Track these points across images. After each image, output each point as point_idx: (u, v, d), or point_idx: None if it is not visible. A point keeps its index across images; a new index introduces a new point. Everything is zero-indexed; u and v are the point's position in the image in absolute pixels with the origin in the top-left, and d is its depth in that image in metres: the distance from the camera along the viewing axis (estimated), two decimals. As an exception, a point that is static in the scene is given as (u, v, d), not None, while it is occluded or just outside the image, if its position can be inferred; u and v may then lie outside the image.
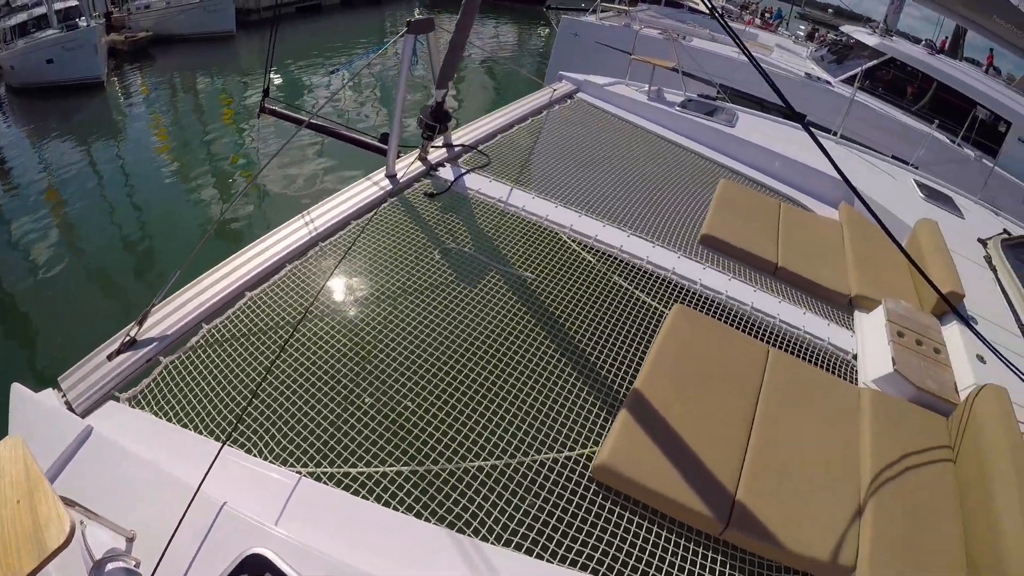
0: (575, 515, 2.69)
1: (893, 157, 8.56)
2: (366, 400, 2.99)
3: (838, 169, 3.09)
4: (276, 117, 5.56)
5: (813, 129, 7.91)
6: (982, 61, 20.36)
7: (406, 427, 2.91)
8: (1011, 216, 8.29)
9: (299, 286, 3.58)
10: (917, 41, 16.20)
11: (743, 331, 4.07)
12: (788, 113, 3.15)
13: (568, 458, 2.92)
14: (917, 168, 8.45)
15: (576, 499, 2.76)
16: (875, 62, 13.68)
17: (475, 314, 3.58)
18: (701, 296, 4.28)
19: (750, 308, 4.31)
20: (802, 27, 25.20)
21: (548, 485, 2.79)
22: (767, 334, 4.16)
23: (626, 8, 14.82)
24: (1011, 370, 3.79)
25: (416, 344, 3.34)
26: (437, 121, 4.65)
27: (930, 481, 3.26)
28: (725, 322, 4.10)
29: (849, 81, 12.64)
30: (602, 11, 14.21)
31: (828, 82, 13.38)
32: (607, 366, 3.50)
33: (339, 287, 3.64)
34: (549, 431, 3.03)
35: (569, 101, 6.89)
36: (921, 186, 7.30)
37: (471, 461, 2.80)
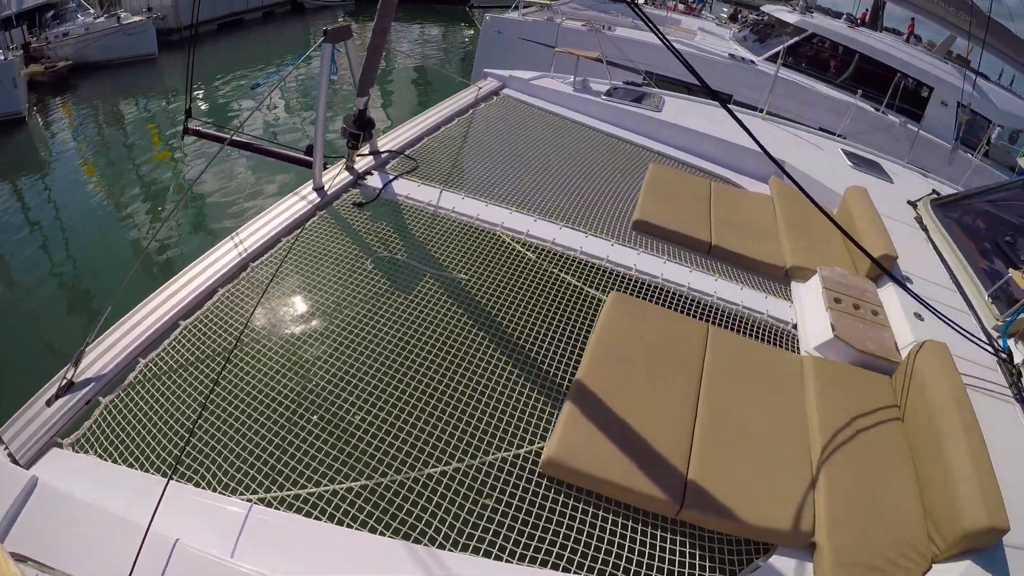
0: (529, 512, 2.67)
1: (821, 129, 8.73)
2: (311, 418, 2.91)
3: (758, 143, 3.09)
4: (200, 137, 5.41)
5: (737, 107, 8.07)
6: (903, 30, 20.85)
7: (354, 442, 2.84)
8: (939, 177, 8.51)
9: (233, 310, 3.47)
10: (838, 15, 16.53)
11: (682, 312, 4.08)
12: (712, 94, 3.16)
13: (518, 456, 2.89)
14: (845, 138, 8.61)
15: (529, 496, 2.74)
16: (796, 39, 13.94)
17: (414, 321, 3.52)
18: (638, 281, 4.27)
19: (687, 288, 4.32)
20: (725, 9, 25.56)
21: (500, 485, 2.76)
22: (706, 313, 4.17)
23: (548, 3, 14.81)
24: (948, 324, 3.87)
25: (356, 357, 3.26)
26: (361, 129, 4.58)
27: (880, 439, 3.30)
28: (663, 304, 4.11)
29: (772, 59, 12.85)
30: (524, 7, 14.22)
31: (752, 61, 13.59)
32: (550, 359, 3.47)
33: (273, 307, 3.53)
34: (497, 431, 3.00)
35: (495, 98, 6.87)
36: (849, 155, 7.43)
37: (422, 470, 2.76)
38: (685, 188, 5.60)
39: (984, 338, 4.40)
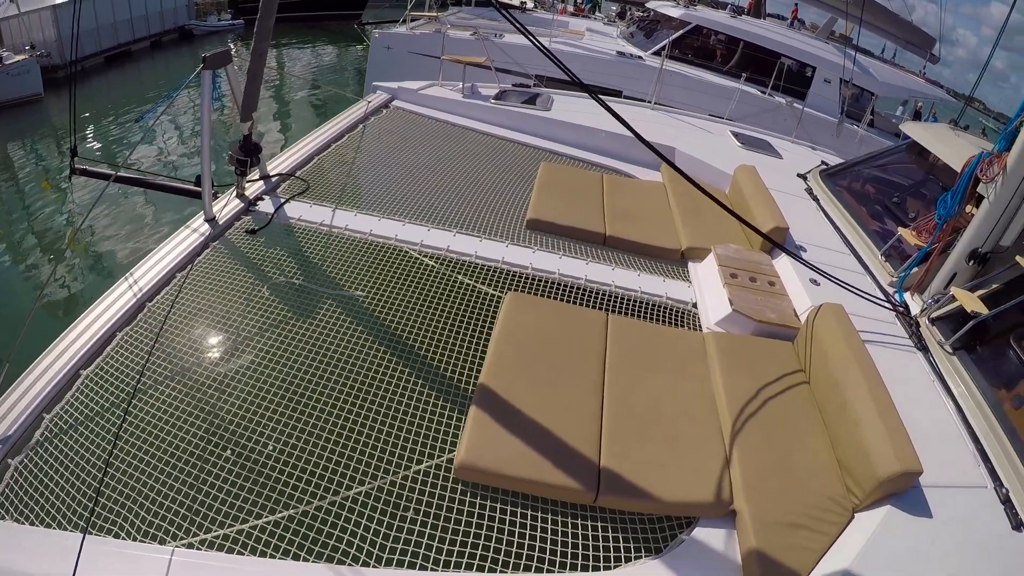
0: (448, 519, 2.65)
1: (711, 116, 8.88)
2: (225, 455, 2.79)
3: (631, 129, 3.19)
4: (88, 176, 5.11)
5: (628, 102, 8.12)
6: (787, 15, 21.54)
7: (271, 474, 2.74)
8: (828, 149, 8.79)
9: (134, 354, 3.27)
10: (723, 6, 16.98)
11: (581, 304, 4.08)
12: (584, 87, 3.13)
13: (430, 467, 2.86)
14: (735, 121, 8.79)
15: (446, 503, 2.72)
16: (681, 32, 14.25)
17: (317, 344, 3.41)
18: (534, 279, 4.24)
19: (584, 280, 4.31)
20: (613, 8, 25.96)
21: (417, 497, 2.72)
22: (605, 302, 4.17)
23: (436, 15, 14.70)
24: (841, 286, 3.96)
25: (263, 387, 3.13)
26: (247, 155, 4.42)
27: (788, 403, 3.41)
28: (562, 299, 4.10)
29: (659, 53, 13.05)
30: (412, 20, 14.08)
31: (640, 57, 13.81)
32: (456, 366, 3.43)
33: (173, 346, 3.33)
34: (413, 444, 2.96)
35: (385, 111, 6.76)
36: (738, 136, 7.61)
37: (342, 493, 2.69)
38: (577, 183, 5.58)
39: (881, 295, 4.47)
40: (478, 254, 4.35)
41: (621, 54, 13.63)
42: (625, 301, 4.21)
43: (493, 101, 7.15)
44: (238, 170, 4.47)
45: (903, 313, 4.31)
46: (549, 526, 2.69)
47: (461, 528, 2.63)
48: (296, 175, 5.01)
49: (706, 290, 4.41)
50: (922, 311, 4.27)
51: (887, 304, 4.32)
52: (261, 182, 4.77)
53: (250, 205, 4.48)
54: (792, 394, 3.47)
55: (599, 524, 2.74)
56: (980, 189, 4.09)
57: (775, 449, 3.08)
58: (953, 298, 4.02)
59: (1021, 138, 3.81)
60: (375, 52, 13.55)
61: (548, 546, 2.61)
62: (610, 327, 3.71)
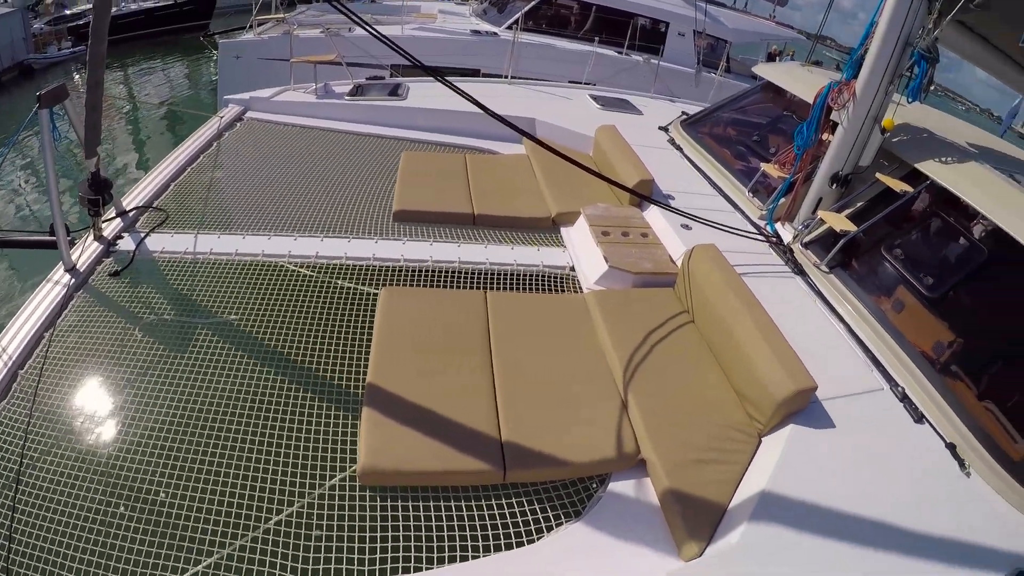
0: (365, 528, 2.54)
1: (572, 82, 8.88)
2: (127, 514, 2.55)
3: (479, 105, 3.30)
4: None
5: (487, 79, 7.99)
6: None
7: (178, 523, 2.53)
8: (689, 100, 8.92)
9: (13, 429, 2.93)
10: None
11: (458, 287, 4.01)
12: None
13: (340, 481, 2.72)
14: (595, 85, 8.81)
15: (359, 513, 2.60)
16: (532, 4, 14.15)
17: (200, 378, 3.17)
18: (409, 270, 4.12)
19: (458, 263, 4.20)
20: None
21: (328, 513, 2.58)
22: (483, 280, 4.09)
23: (282, 16, 14.09)
24: (711, 226, 4.02)
25: (150, 433, 2.89)
26: (98, 192, 4.03)
27: (678, 346, 3.46)
28: (438, 285, 4.02)
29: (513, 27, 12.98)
30: (259, 25, 13.47)
31: (495, 33, 13.67)
32: (344, 372, 3.28)
33: (54, 410, 3.03)
34: (316, 462, 2.79)
35: (239, 123, 6.34)
36: (596, 99, 7.61)
37: (251, 533, 2.50)
38: (441, 167, 5.42)
39: (753, 228, 4.51)
40: (348, 255, 4.17)
41: (476, 32, 13.43)
42: (503, 276, 4.14)
43: (348, 98, 6.84)
44: (91, 210, 4.11)
45: (776, 243, 4.35)
46: (465, 512, 2.63)
47: (379, 535, 2.53)
48: (154, 206, 4.63)
49: (581, 252, 4.36)
50: (794, 238, 4.31)
51: (759, 236, 4.37)
52: (119, 219, 4.40)
53: (110, 246, 4.13)
54: (679, 336, 3.52)
55: (514, 500, 2.70)
56: (834, 117, 4.17)
57: (672, 392, 3.12)
58: (822, 221, 4.08)
59: (866, 64, 3.90)
60: (224, 62, 12.86)
61: (468, 532, 2.56)
62: (490, 304, 3.64)
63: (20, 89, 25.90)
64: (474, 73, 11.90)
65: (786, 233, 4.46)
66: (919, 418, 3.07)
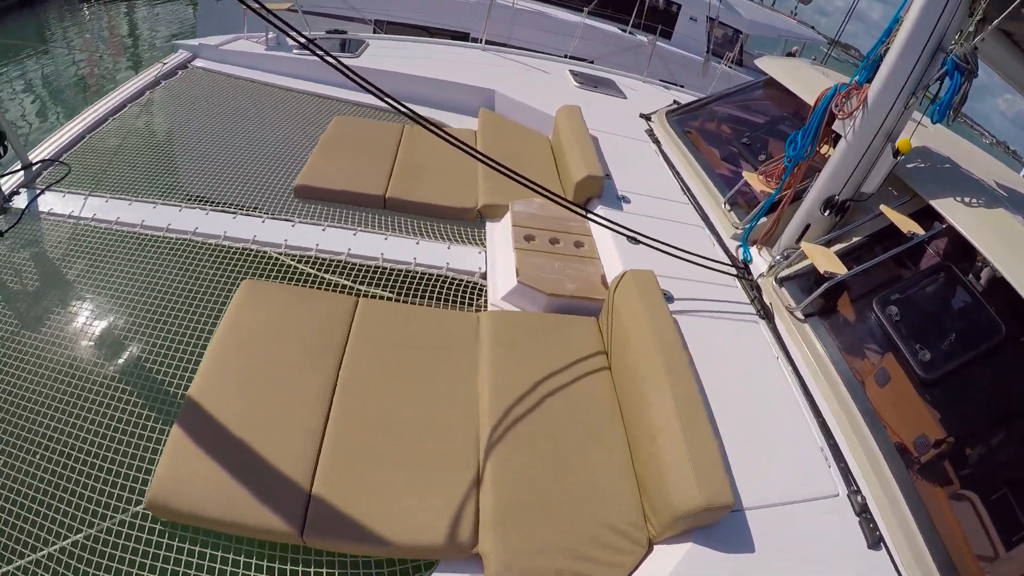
0: (154, 568, 2.16)
1: (572, 57, 8.20)
2: None
3: (353, 75, 2.74)
4: None
5: (472, 45, 7.39)
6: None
7: None
8: (691, 89, 8.24)
9: None
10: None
11: (339, 285, 3.44)
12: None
13: (139, 509, 2.30)
14: (592, 62, 8.22)
15: (142, 548, 2.21)
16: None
17: (28, 368, 2.76)
18: (289, 259, 3.56)
19: (346, 256, 3.59)
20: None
21: (118, 543, 2.20)
22: (371, 279, 3.51)
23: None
24: (652, 246, 3.28)
25: None
26: None
27: (581, 400, 2.72)
28: (316, 280, 3.44)
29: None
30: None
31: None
32: (182, 378, 2.80)
33: None
34: (117, 487, 2.37)
35: (181, 72, 5.72)
36: (576, 75, 6.90)
37: (33, 552, 2.17)
38: (370, 137, 4.76)
39: (721, 252, 3.78)
40: (228, 234, 3.61)
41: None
42: (394, 276, 3.52)
43: (296, 52, 6.21)
44: None
45: (743, 274, 3.55)
46: (252, 573, 2.17)
47: None
48: (61, 160, 4.21)
49: (499, 257, 3.66)
50: (769, 269, 3.54)
51: (722, 265, 3.56)
52: (22, 173, 4.02)
53: (6, 201, 3.80)
54: (585, 387, 2.79)
55: (312, 571, 2.19)
56: (836, 126, 3.35)
57: (550, 466, 2.44)
58: (804, 255, 3.27)
59: (884, 67, 3.04)
60: (204, 5, 11.98)
61: None
62: (358, 314, 2.98)
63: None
64: (463, 37, 11.07)
65: (760, 261, 3.68)
66: (876, 541, 2.33)
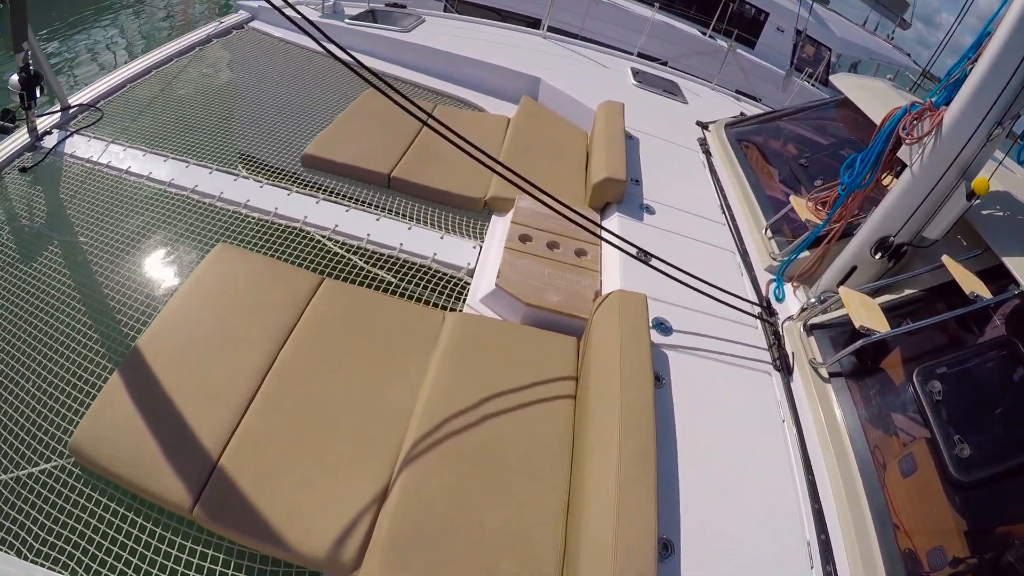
0: (62, 510, 2.17)
1: (643, 56, 8.00)
2: None
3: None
4: None
5: (550, 34, 7.18)
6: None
7: None
8: (768, 103, 7.92)
9: None
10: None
11: (318, 263, 3.32)
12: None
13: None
14: (666, 64, 7.95)
15: (73, 496, 2.21)
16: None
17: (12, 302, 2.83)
18: (273, 228, 3.52)
19: (331, 232, 3.49)
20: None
21: (37, 487, 2.21)
22: (343, 260, 3.36)
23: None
24: (656, 268, 2.92)
25: None
26: (25, 87, 3.81)
27: (529, 432, 2.40)
28: (294, 253, 3.35)
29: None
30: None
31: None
32: (132, 331, 2.79)
33: None
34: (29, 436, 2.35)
35: (237, 32, 5.78)
36: (637, 73, 6.64)
37: None
38: (397, 115, 4.48)
39: (749, 286, 3.35)
40: (223, 195, 3.61)
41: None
42: (376, 261, 3.39)
43: (348, 21, 6.15)
44: (21, 104, 3.91)
45: (761, 315, 3.07)
46: (145, 536, 2.12)
47: (71, 523, 2.13)
48: (96, 106, 4.28)
49: (491, 255, 3.43)
50: (800, 312, 3.06)
51: (732, 300, 3.07)
52: (61, 115, 4.13)
53: (38, 140, 3.93)
54: (541, 414, 2.46)
55: (200, 548, 2.10)
56: (902, 153, 2.84)
57: (467, 496, 2.13)
58: (842, 302, 2.76)
59: (966, 88, 2.51)
60: None
61: (135, 560, 2.07)
62: (319, 294, 2.84)
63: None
64: (535, 24, 10.90)
65: (794, 300, 3.19)
66: None
